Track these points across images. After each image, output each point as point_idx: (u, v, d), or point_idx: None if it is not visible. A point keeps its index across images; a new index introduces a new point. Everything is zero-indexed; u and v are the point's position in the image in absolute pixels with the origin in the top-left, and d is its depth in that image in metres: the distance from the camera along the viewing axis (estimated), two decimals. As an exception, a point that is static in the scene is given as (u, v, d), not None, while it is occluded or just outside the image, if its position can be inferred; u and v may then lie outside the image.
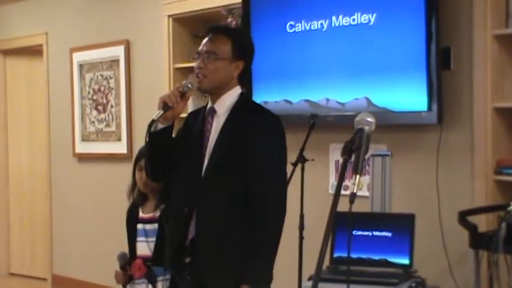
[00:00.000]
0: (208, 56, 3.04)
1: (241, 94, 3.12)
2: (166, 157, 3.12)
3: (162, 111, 2.99)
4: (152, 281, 3.58)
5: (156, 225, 3.63)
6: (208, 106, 3.14)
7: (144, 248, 3.65)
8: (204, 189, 3.02)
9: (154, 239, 3.62)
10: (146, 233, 3.66)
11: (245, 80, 3.17)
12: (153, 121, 3.01)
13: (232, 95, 3.09)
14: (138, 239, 3.68)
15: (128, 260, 3.65)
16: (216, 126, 3.07)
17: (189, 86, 3.06)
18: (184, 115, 3.36)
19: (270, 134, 3.03)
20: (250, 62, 3.16)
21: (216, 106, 3.09)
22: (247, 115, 3.04)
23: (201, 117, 3.14)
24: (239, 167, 2.97)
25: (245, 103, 3.12)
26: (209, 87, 3.07)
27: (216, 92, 3.08)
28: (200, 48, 3.09)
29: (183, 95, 3.04)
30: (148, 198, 3.74)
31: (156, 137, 3.07)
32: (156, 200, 3.67)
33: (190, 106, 5.83)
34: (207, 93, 3.19)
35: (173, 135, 3.17)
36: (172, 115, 3.04)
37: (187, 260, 3.06)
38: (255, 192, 2.96)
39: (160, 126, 3.05)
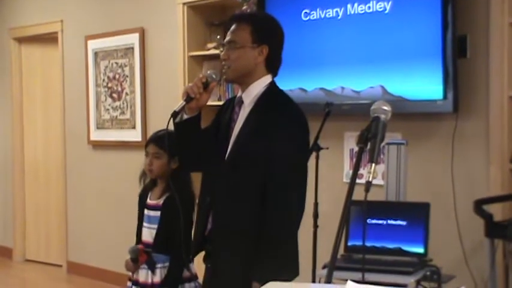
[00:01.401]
0: (230, 46, 3.00)
1: (270, 84, 3.06)
2: (197, 146, 3.08)
3: (184, 102, 2.96)
4: (151, 267, 3.60)
5: (159, 213, 3.64)
6: (238, 95, 3.11)
7: (147, 234, 3.68)
8: (223, 180, 3.01)
9: (155, 226, 3.64)
10: (150, 220, 3.68)
11: (275, 65, 3.09)
12: (175, 112, 2.97)
13: (259, 85, 3.03)
14: (144, 224, 3.71)
15: (138, 253, 3.67)
16: (241, 117, 3.04)
17: (213, 76, 3.01)
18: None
19: (291, 131, 2.96)
20: (278, 46, 3.08)
21: (244, 96, 3.05)
22: (271, 109, 2.98)
23: (231, 107, 3.11)
24: (258, 161, 2.93)
25: (271, 95, 3.04)
26: (234, 77, 3.05)
27: (242, 81, 3.05)
28: (225, 39, 3.06)
29: (206, 86, 2.99)
30: (157, 184, 3.76)
31: (182, 127, 3.03)
32: (163, 187, 3.69)
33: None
34: (233, 83, 3.15)
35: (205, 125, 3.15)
36: (197, 106, 2.99)
37: (209, 248, 3.09)
38: (271, 188, 2.90)
39: (185, 116, 3.01)
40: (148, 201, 3.72)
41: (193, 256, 3.23)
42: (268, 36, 3.04)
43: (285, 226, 2.92)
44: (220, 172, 3.02)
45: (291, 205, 2.94)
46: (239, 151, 2.98)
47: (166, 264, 3.59)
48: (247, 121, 3.00)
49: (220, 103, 5.55)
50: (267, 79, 3.06)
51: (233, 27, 3.04)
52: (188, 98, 2.95)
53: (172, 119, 2.99)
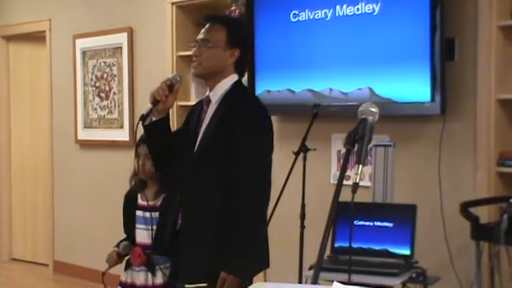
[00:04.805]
0: (204, 44, 3.11)
1: (236, 82, 3.16)
2: (168, 147, 3.20)
3: (151, 106, 3.10)
4: (151, 269, 3.56)
5: (157, 214, 3.61)
6: (206, 95, 3.21)
7: (144, 235, 3.63)
8: (191, 175, 3.12)
9: (154, 227, 3.60)
10: (146, 221, 3.63)
11: (243, 68, 3.21)
12: (143, 116, 3.11)
13: (226, 83, 3.14)
14: (138, 226, 3.66)
15: (129, 250, 3.66)
16: (209, 114, 3.14)
17: (178, 78, 3.17)
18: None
19: (255, 123, 3.06)
20: (248, 50, 3.24)
21: (211, 95, 3.16)
22: (235, 104, 3.08)
23: (200, 107, 3.22)
24: (222, 155, 3.03)
25: (236, 92, 3.14)
26: (202, 73, 3.15)
27: (210, 79, 3.15)
28: (198, 36, 3.16)
29: (171, 88, 3.12)
30: (147, 185, 3.73)
31: (151, 130, 3.17)
32: (157, 188, 3.66)
33: (193, 94, 5.83)
34: (201, 78, 3.27)
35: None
36: (163, 108, 3.14)
37: (180, 242, 3.19)
38: (234, 181, 2.99)
39: (154, 119, 3.15)
40: (141, 202, 3.67)
41: (166, 250, 3.34)
42: (241, 41, 3.17)
43: (250, 217, 2.99)
44: (188, 168, 3.12)
45: (255, 197, 3.01)
46: (205, 145, 3.09)
47: (167, 264, 3.53)
48: (214, 117, 3.11)
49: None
50: (233, 78, 3.16)
51: (208, 26, 3.15)
52: (155, 101, 3.10)
53: (141, 122, 3.13)
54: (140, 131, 3.31)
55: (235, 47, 3.12)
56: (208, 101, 3.17)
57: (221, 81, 3.13)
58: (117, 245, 3.73)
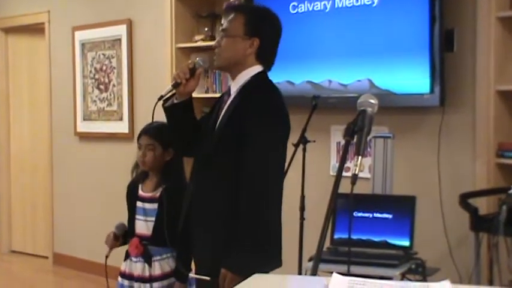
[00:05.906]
0: (223, 34, 3.05)
1: (259, 74, 3.07)
2: (190, 132, 3.16)
3: (170, 87, 3.05)
4: (148, 260, 3.57)
5: (155, 205, 3.61)
6: (228, 85, 3.16)
7: (142, 226, 3.63)
8: (203, 166, 3.08)
9: (153, 218, 3.60)
10: (145, 212, 3.63)
11: (266, 58, 3.10)
12: (161, 96, 3.05)
13: (247, 74, 3.05)
14: (137, 216, 3.66)
15: (124, 231, 3.68)
16: (227, 105, 3.07)
17: (201, 63, 3.10)
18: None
19: (263, 115, 2.95)
20: (271, 39, 3.10)
21: (232, 85, 3.10)
22: (250, 96, 3.00)
23: (223, 97, 3.17)
24: (233, 147, 2.94)
25: (255, 84, 3.04)
26: (222, 65, 3.10)
27: (232, 70, 3.09)
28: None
29: (193, 72, 3.06)
30: (149, 176, 3.73)
31: (171, 112, 3.12)
32: (157, 179, 3.66)
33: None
34: (221, 70, 3.21)
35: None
36: (184, 91, 3.07)
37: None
38: (240, 178, 2.91)
39: (175, 101, 3.10)
40: (142, 193, 3.67)
41: (170, 241, 3.33)
42: (261, 29, 3.06)
43: (253, 217, 2.88)
44: (202, 158, 3.08)
45: (257, 196, 2.90)
46: (218, 136, 3.02)
47: (164, 256, 3.54)
48: (228, 108, 3.04)
49: (208, 95, 5.57)
50: (256, 69, 3.07)
51: (230, 16, 3.07)
52: (175, 84, 3.03)
53: (162, 104, 3.07)
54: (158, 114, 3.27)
55: (254, 37, 3.02)
56: (229, 91, 3.11)
57: (242, 72, 3.05)
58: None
